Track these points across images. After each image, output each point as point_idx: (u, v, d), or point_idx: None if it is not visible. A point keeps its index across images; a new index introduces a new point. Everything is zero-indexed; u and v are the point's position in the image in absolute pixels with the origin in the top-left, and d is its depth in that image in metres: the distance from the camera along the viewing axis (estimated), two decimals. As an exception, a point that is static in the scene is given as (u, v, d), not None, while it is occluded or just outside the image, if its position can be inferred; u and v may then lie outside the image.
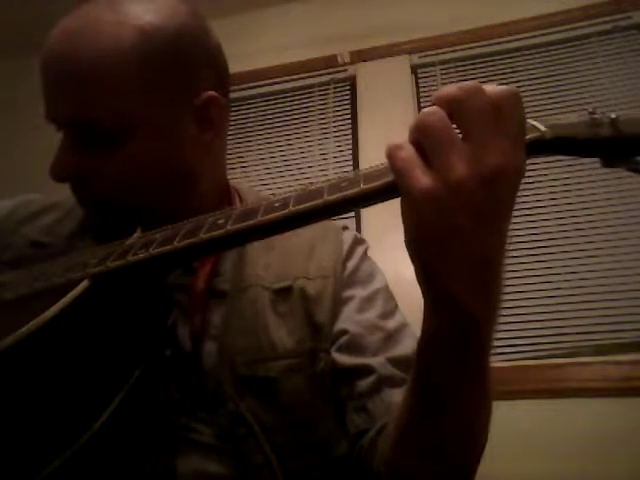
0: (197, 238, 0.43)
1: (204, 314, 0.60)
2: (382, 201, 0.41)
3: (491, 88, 0.37)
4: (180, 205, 0.61)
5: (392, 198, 0.40)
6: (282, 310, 0.62)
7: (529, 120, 0.40)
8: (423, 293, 0.42)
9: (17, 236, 0.67)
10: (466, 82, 0.37)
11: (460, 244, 0.37)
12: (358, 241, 0.72)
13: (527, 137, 0.38)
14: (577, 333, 1.68)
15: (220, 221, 0.44)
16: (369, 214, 2.01)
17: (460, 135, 0.36)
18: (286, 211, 0.41)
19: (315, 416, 0.59)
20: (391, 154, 0.38)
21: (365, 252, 0.72)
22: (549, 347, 1.69)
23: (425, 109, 0.37)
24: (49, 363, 0.42)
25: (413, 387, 0.47)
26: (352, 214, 2.06)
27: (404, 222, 0.39)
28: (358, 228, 1.98)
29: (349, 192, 0.40)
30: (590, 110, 0.41)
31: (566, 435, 1.54)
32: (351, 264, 0.68)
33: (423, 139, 0.37)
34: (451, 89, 0.37)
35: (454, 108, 0.36)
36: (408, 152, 0.37)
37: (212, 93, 0.60)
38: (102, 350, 0.46)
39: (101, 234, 0.60)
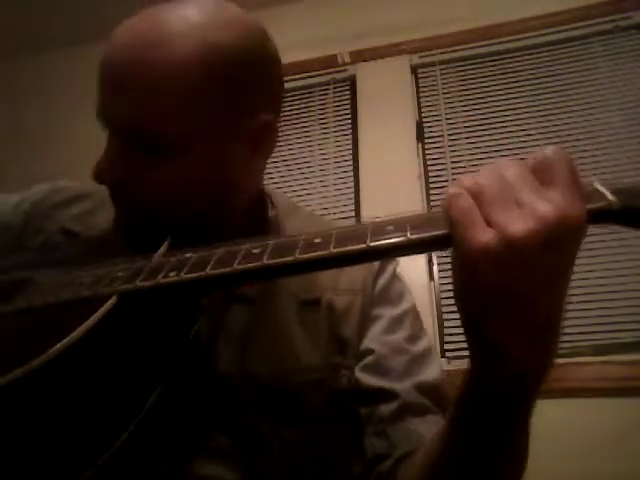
0: (231, 268, 0.42)
1: (222, 314, 0.59)
2: (428, 252, 0.40)
3: (543, 152, 0.37)
4: (215, 218, 0.59)
5: (439, 250, 0.39)
6: (308, 322, 0.61)
7: (595, 183, 0.37)
8: (469, 344, 0.40)
9: (49, 221, 0.67)
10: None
11: (519, 305, 0.35)
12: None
13: (592, 206, 0.36)
14: (577, 333, 1.68)
15: (255, 250, 0.43)
16: (369, 210, 2.01)
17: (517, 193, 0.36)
18: (326, 252, 0.39)
19: (334, 433, 0.58)
20: (451, 202, 0.36)
21: (395, 270, 0.70)
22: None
23: (489, 165, 0.37)
24: (75, 380, 0.42)
25: (450, 430, 0.46)
26: (352, 208, 2.07)
27: (455, 276, 0.37)
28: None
29: (395, 240, 0.38)
30: None
31: (566, 435, 1.54)
32: (382, 281, 0.66)
33: (482, 192, 0.36)
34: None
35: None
36: (468, 202, 0.36)
37: (268, 118, 0.58)
38: (126, 366, 0.45)
39: (131, 235, 0.59)
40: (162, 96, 0.52)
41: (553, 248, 0.34)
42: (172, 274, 0.44)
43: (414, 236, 0.38)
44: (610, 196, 0.36)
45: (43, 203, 0.69)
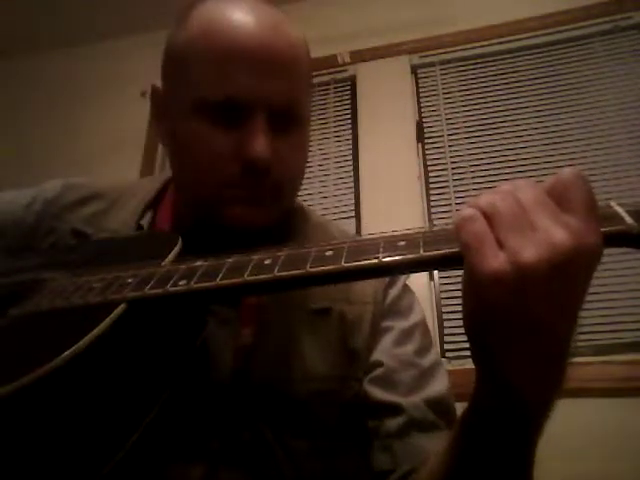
0: (241, 279, 0.42)
1: (256, 327, 0.59)
2: (440, 269, 0.39)
3: (561, 175, 0.36)
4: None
5: (452, 268, 0.38)
6: (318, 332, 0.60)
7: (615, 206, 0.36)
8: (477, 372, 0.40)
9: (61, 222, 0.66)
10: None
11: (527, 332, 0.34)
12: None
13: (609, 229, 0.34)
14: (577, 333, 1.67)
15: (267, 262, 0.42)
16: (369, 211, 2.00)
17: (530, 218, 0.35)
18: (337, 266, 0.39)
19: (340, 445, 0.58)
20: (462, 225, 0.35)
21: (406, 282, 0.70)
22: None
23: (502, 189, 0.36)
24: (83, 387, 0.41)
25: (452, 452, 0.46)
26: (352, 209, 2.06)
27: (465, 300, 0.36)
28: (358, 230, 1.98)
29: (408, 256, 0.38)
30: None
31: (566, 435, 1.53)
32: (393, 293, 0.66)
33: (496, 214, 0.35)
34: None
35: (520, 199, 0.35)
36: (481, 226, 0.35)
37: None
38: (133, 372, 0.45)
39: (144, 237, 0.60)
40: (304, 72, 0.60)
41: (567, 275, 0.33)
42: (182, 283, 0.44)
43: (427, 253, 0.37)
44: (628, 219, 0.35)
45: (56, 202, 0.69)
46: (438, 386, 0.61)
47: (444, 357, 1.76)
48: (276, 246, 0.44)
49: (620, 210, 0.35)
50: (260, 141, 0.55)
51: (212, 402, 0.55)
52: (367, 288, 0.64)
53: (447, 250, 0.37)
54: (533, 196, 0.35)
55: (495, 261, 0.33)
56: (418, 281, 1.84)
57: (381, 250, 0.39)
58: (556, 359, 0.37)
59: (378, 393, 0.59)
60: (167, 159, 0.67)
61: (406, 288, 0.69)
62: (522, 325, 0.34)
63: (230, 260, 0.44)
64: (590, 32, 2.06)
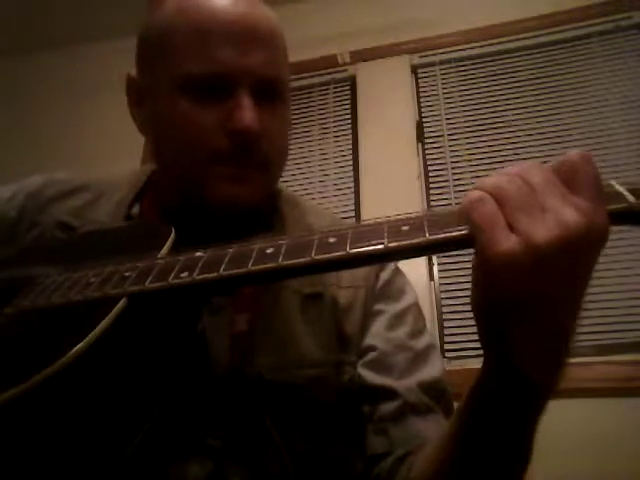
0: (246, 269, 0.41)
1: (251, 314, 0.59)
2: (444, 252, 0.39)
3: (568, 157, 0.36)
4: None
5: (458, 250, 0.37)
6: (311, 316, 0.60)
7: (616, 185, 0.36)
8: (484, 352, 0.40)
9: (45, 215, 0.65)
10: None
11: (539, 313, 0.35)
12: None
13: (612, 207, 0.35)
14: (578, 333, 1.67)
15: (269, 251, 0.41)
16: (369, 210, 2.00)
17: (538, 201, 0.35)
18: (343, 253, 0.38)
19: (336, 430, 0.58)
20: (472, 207, 0.35)
21: (397, 265, 0.70)
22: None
23: (512, 169, 0.36)
24: (87, 384, 0.41)
25: (454, 434, 0.46)
26: (352, 208, 2.06)
27: (475, 281, 0.36)
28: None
29: (413, 240, 0.37)
30: None
31: (566, 435, 1.53)
32: (384, 276, 0.66)
33: (506, 196, 0.35)
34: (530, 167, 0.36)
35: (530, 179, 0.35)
36: (492, 208, 0.35)
37: None
38: (135, 366, 0.45)
39: (133, 227, 0.59)
40: (281, 47, 0.62)
41: (578, 255, 0.33)
42: (184, 275, 0.43)
43: (433, 237, 0.37)
44: (630, 197, 0.35)
45: (39, 195, 0.67)
46: (432, 369, 0.61)
47: (444, 357, 1.76)
48: (269, 232, 0.44)
49: (621, 189, 0.36)
50: (248, 112, 0.55)
51: (211, 391, 0.55)
52: (358, 272, 0.64)
53: (457, 233, 0.36)
54: (541, 177, 0.35)
55: (507, 242, 0.33)
56: (418, 281, 1.84)
57: (385, 235, 0.38)
58: (563, 338, 0.37)
59: (372, 377, 0.60)
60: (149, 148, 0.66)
61: (397, 271, 0.69)
62: (532, 306, 0.34)
63: (231, 250, 0.44)
64: (590, 32, 2.06)
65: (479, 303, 0.37)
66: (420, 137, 2.12)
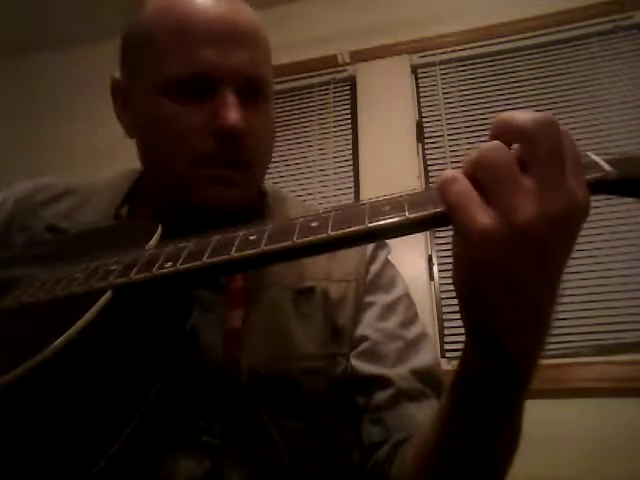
0: (228, 256, 0.41)
1: (243, 310, 0.59)
2: (427, 230, 0.39)
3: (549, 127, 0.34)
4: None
5: (438, 227, 0.38)
6: (303, 311, 0.61)
7: (591, 155, 0.37)
8: (466, 331, 0.40)
9: (34, 219, 0.66)
10: (532, 114, 0.34)
11: (519, 289, 0.34)
12: (381, 245, 0.71)
13: (589, 176, 0.35)
14: (578, 333, 1.68)
15: (252, 237, 0.42)
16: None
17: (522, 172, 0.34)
18: (324, 235, 0.39)
19: (332, 422, 0.58)
20: (444, 186, 0.35)
21: (387, 257, 0.70)
22: (550, 347, 1.68)
23: (487, 144, 0.34)
24: (73, 378, 0.41)
25: (443, 416, 0.46)
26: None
27: (455, 258, 0.36)
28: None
29: (394, 220, 0.37)
30: None
31: (566, 435, 1.54)
32: (374, 268, 0.67)
33: (484, 175, 0.34)
34: (518, 118, 0.34)
35: (525, 140, 0.34)
36: (464, 186, 0.34)
37: None
38: (123, 361, 0.45)
39: (124, 227, 0.59)
40: (264, 46, 0.62)
41: (558, 231, 0.33)
42: (168, 265, 0.43)
43: (413, 215, 0.37)
44: (606, 166, 0.35)
45: (27, 200, 0.68)
46: (424, 357, 0.62)
47: (444, 357, 1.76)
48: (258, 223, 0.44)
49: (598, 159, 0.36)
50: (233, 110, 0.56)
51: (206, 388, 0.55)
52: (349, 265, 0.65)
53: (433, 210, 0.36)
54: (549, 143, 0.34)
55: (484, 218, 0.33)
56: (418, 281, 1.84)
57: (367, 216, 0.38)
58: (544, 314, 0.37)
59: (365, 367, 0.60)
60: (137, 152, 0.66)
61: (387, 263, 0.70)
62: (513, 281, 0.34)
63: (215, 238, 0.44)
64: (590, 32, 2.06)
65: (460, 282, 0.37)
66: (420, 137, 2.12)
